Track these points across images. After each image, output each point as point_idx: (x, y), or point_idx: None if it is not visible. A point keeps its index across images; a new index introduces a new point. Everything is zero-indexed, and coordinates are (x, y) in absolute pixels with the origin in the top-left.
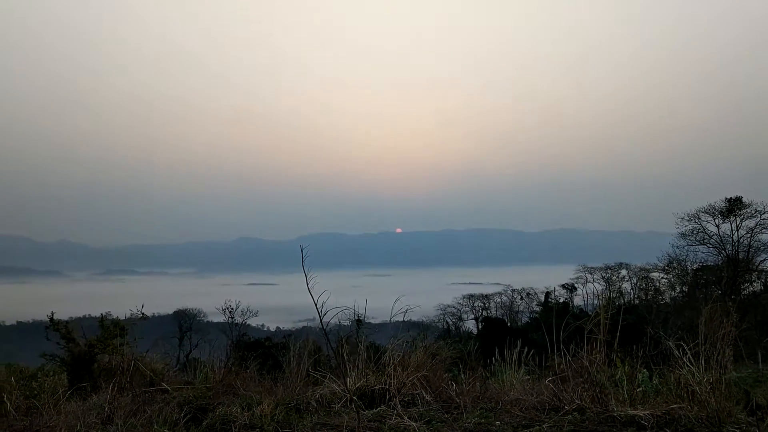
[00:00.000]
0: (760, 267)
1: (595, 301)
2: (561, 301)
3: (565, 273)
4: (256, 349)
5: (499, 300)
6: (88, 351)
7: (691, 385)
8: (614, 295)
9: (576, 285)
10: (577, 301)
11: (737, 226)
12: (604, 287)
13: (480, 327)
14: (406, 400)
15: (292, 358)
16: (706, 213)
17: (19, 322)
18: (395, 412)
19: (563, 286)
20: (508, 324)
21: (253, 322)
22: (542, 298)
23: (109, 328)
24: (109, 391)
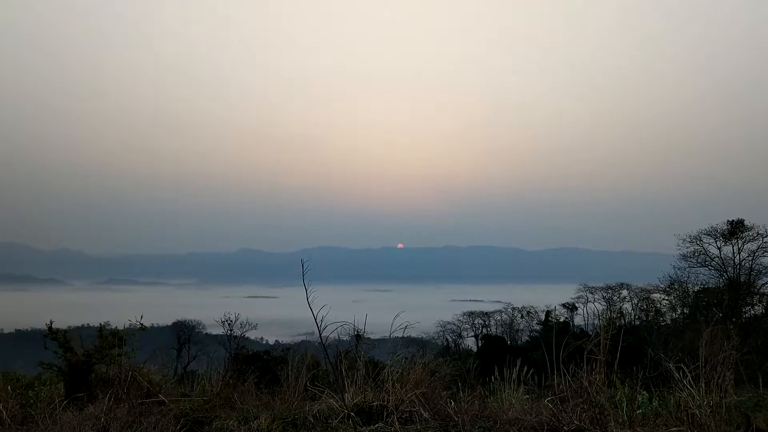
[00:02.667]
0: (761, 290)
1: (596, 321)
2: (561, 320)
3: (566, 292)
4: (255, 363)
5: (499, 318)
6: (85, 361)
7: (691, 408)
8: (615, 316)
9: (577, 304)
10: (578, 320)
11: (739, 249)
12: (605, 307)
13: (480, 345)
14: (404, 417)
15: (290, 372)
16: (708, 235)
17: (17, 330)
18: (393, 429)
19: (564, 305)
20: (508, 342)
21: (252, 335)
22: (543, 317)
23: (108, 338)
24: (106, 402)
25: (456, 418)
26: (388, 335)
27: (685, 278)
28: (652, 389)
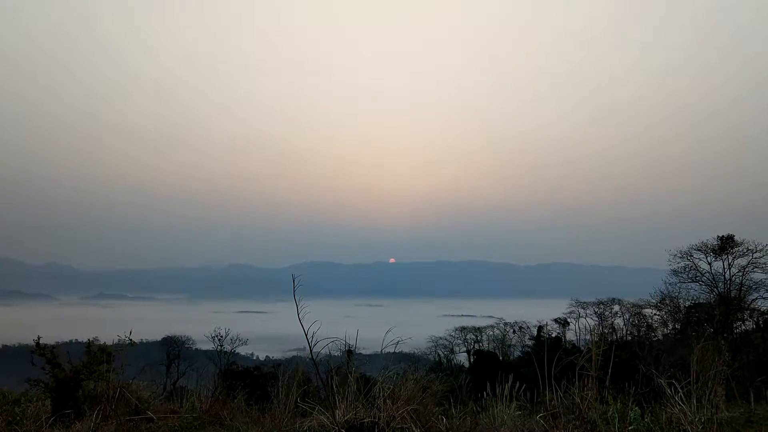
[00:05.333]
0: (752, 306)
1: (588, 337)
2: (553, 335)
3: (558, 307)
4: (245, 379)
5: (491, 333)
6: (73, 377)
7: (682, 424)
8: (606, 331)
9: (568, 320)
10: (570, 336)
11: (729, 264)
12: (597, 322)
13: (472, 360)
14: None
15: (280, 389)
16: (699, 250)
17: (4, 346)
18: None
19: (556, 320)
20: (500, 358)
21: (243, 350)
22: (535, 333)
23: (96, 354)
24: (93, 419)
25: None
26: (379, 351)
27: (677, 293)
28: (644, 405)
